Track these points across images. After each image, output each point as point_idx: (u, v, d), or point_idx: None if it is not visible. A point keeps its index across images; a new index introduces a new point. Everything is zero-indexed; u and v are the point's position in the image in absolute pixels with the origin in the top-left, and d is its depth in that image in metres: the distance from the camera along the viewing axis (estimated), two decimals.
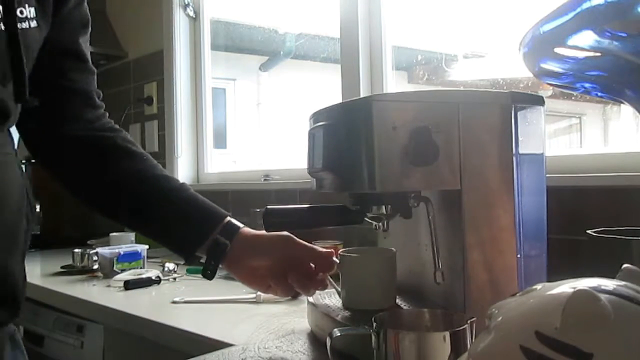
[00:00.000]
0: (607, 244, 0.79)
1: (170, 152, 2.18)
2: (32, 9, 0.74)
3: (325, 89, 2.00)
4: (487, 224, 0.75)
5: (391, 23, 1.58)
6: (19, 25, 0.72)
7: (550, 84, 0.80)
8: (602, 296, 0.33)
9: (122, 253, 1.54)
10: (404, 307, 0.83)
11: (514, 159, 0.76)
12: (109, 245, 1.68)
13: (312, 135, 0.82)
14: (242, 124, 2.74)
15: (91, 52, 0.93)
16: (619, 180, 1.04)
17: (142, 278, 1.39)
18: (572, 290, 0.34)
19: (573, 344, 0.32)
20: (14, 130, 0.81)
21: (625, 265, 0.41)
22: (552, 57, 0.67)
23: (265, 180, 1.85)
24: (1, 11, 0.70)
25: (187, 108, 2.18)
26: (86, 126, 0.90)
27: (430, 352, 0.57)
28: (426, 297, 0.85)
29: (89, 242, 1.90)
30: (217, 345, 0.89)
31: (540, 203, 0.81)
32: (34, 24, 0.75)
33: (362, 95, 1.54)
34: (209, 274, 0.86)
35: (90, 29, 0.91)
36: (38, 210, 0.86)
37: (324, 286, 0.86)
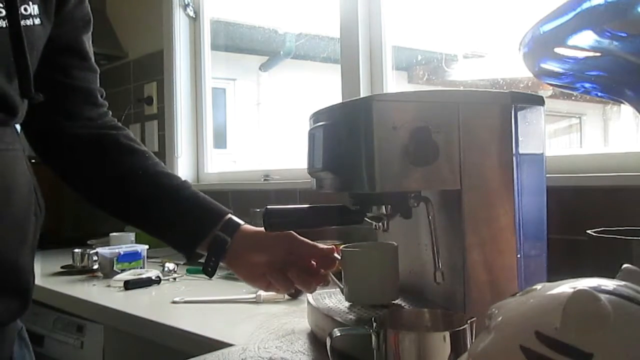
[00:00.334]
0: (607, 244, 0.79)
1: (170, 152, 2.18)
2: (36, 7, 0.75)
3: (325, 89, 2.00)
4: (487, 224, 0.75)
5: (391, 23, 1.58)
6: (22, 22, 0.72)
7: (550, 84, 0.80)
8: (602, 296, 0.33)
9: (122, 253, 1.54)
10: (404, 307, 0.83)
11: (514, 159, 0.76)
12: (109, 245, 1.68)
13: (312, 135, 0.82)
14: (242, 124, 2.74)
15: None
16: (619, 180, 1.04)
17: (142, 278, 1.39)
18: (572, 290, 0.34)
19: (573, 344, 0.32)
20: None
21: (625, 265, 0.41)
22: (552, 57, 0.67)
23: (265, 180, 1.85)
24: (4, 8, 0.70)
25: (187, 108, 2.18)
26: (88, 124, 0.91)
27: (430, 352, 0.57)
28: (426, 297, 0.85)
29: (89, 242, 1.90)
30: (217, 345, 0.89)
31: (540, 203, 0.81)
32: (37, 21, 0.75)
33: (362, 95, 1.54)
34: (209, 271, 0.86)
35: (92, 27, 0.91)
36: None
37: (325, 282, 0.85)
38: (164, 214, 0.88)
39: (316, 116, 0.84)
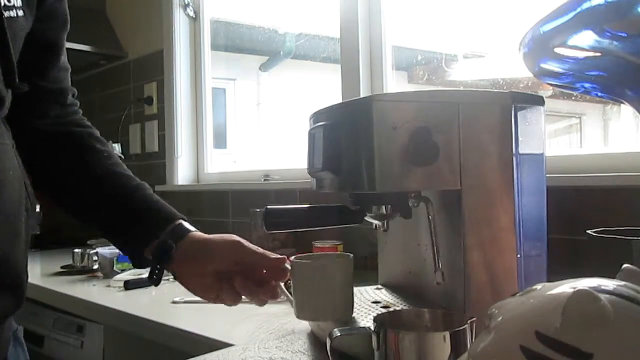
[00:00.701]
0: (607, 244, 0.79)
1: (170, 152, 2.18)
2: None
3: (325, 89, 2.00)
4: (487, 224, 0.75)
5: (391, 23, 1.58)
6: (5, 13, 0.72)
7: (550, 84, 0.80)
8: (602, 296, 0.33)
9: (122, 253, 1.53)
10: (404, 307, 0.83)
11: (514, 159, 0.76)
12: (109, 245, 1.67)
13: (312, 135, 0.82)
14: (242, 124, 2.74)
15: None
16: (619, 180, 1.04)
17: (142, 278, 1.39)
18: (572, 290, 0.34)
19: (573, 344, 0.32)
20: None
21: (625, 265, 0.41)
22: (552, 57, 0.67)
23: (265, 180, 1.85)
24: None
25: (187, 108, 2.18)
26: (54, 121, 0.90)
27: (430, 352, 0.57)
28: (426, 297, 0.85)
29: (89, 242, 1.90)
30: (217, 345, 0.89)
31: (540, 203, 0.81)
32: (20, 12, 0.75)
33: (362, 95, 1.54)
34: (154, 279, 0.81)
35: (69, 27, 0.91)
36: (38, 209, 0.85)
37: (275, 295, 0.78)
38: (114, 215, 0.86)
39: (316, 116, 0.84)
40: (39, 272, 1.66)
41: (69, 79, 0.94)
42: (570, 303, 0.33)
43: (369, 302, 0.87)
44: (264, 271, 0.79)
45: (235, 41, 2.52)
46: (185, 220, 0.84)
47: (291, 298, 0.80)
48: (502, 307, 0.38)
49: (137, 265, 0.87)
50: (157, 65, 2.23)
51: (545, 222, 0.81)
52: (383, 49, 1.57)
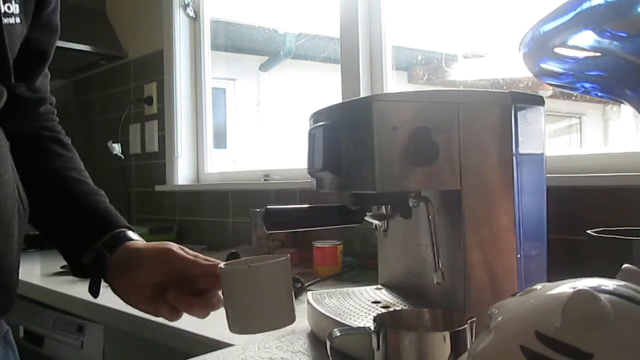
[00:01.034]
0: (607, 244, 0.79)
1: (170, 152, 2.18)
2: (17, 5, 0.76)
3: (325, 89, 2.00)
4: (487, 224, 0.75)
5: (391, 23, 1.58)
6: (5, 20, 0.73)
7: (550, 84, 0.80)
8: (602, 296, 0.33)
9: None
10: (404, 307, 0.83)
11: (514, 159, 0.76)
12: None
13: (312, 135, 0.82)
14: (242, 124, 2.75)
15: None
16: (619, 180, 1.04)
17: None
18: (572, 290, 0.34)
19: (573, 344, 0.32)
20: None
21: (625, 265, 0.41)
22: (552, 57, 0.67)
23: (265, 180, 1.85)
24: None
25: (187, 108, 2.18)
26: (26, 125, 0.89)
27: (430, 352, 0.57)
28: (426, 297, 0.85)
29: None
30: (217, 345, 0.88)
31: (540, 203, 0.81)
32: (17, 20, 0.76)
33: (362, 95, 1.54)
34: (93, 290, 0.76)
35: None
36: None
37: (211, 306, 0.71)
38: (56, 219, 0.83)
39: (316, 116, 0.84)
40: (39, 272, 1.66)
41: (49, 86, 0.93)
42: (570, 303, 0.33)
43: (369, 302, 0.87)
44: (201, 279, 0.71)
45: (235, 41, 2.52)
46: (130, 230, 0.80)
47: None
48: (502, 307, 0.38)
49: (75, 273, 0.82)
50: (157, 65, 2.23)
51: (545, 222, 0.81)
52: (383, 49, 1.57)
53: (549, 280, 0.40)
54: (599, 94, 0.74)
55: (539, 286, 0.39)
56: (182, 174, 2.16)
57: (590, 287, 0.34)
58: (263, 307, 0.68)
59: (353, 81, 1.58)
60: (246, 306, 0.68)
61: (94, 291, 0.77)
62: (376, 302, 0.87)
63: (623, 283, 0.37)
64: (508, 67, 1.55)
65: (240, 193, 1.91)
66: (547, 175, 0.82)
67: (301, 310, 1.02)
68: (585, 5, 0.56)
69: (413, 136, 0.70)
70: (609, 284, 0.36)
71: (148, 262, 0.74)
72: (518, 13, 1.43)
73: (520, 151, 0.77)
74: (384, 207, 0.80)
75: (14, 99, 0.82)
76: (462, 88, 1.67)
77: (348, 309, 0.84)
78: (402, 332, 0.58)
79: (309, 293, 0.94)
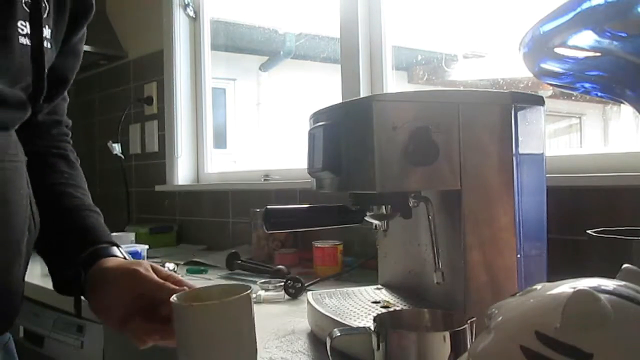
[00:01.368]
0: (607, 244, 0.79)
1: (170, 152, 2.18)
2: (50, 31, 0.76)
3: (325, 89, 2.00)
4: (487, 224, 0.75)
5: (391, 23, 1.58)
6: (44, 44, 0.74)
7: (550, 84, 0.80)
8: (602, 296, 0.33)
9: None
10: (404, 307, 0.83)
11: (514, 159, 0.76)
12: None
13: (312, 135, 0.82)
14: (242, 124, 2.75)
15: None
16: (619, 180, 1.04)
17: None
18: (572, 290, 0.34)
19: (573, 344, 0.32)
20: None
21: (625, 265, 0.41)
22: (552, 57, 0.67)
23: (265, 180, 1.85)
24: (28, 27, 0.71)
25: (187, 108, 2.18)
26: (37, 142, 0.88)
27: (430, 352, 0.57)
28: (426, 297, 0.85)
29: None
30: None
31: (540, 203, 0.81)
32: (49, 45, 0.76)
33: (362, 95, 1.54)
34: (76, 308, 0.74)
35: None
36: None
37: (172, 338, 0.64)
38: (44, 234, 0.80)
39: (316, 116, 0.84)
40: (39, 272, 1.66)
41: (66, 109, 0.95)
42: (570, 303, 0.33)
43: (369, 302, 0.87)
44: (164, 305, 0.65)
45: (235, 41, 2.53)
46: (115, 245, 0.78)
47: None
48: (502, 307, 0.38)
49: (57, 289, 0.79)
50: (157, 65, 2.23)
51: (545, 222, 0.81)
52: (383, 49, 1.57)
53: (549, 280, 0.40)
54: (599, 94, 0.74)
55: (539, 286, 0.39)
56: (182, 174, 2.16)
57: (590, 287, 0.34)
58: (211, 352, 0.59)
59: (353, 81, 1.58)
60: (194, 347, 0.59)
61: (76, 309, 0.74)
62: (376, 302, 0.87)
63: (623, 283, 0.37)
64: (508, 67, 1.55)
65: (240, 193, 1.91)
66: (547, 175, 0.82)
67: (301, 310, 1.02)
68: (585, 5, 0.56)
69: (413, 136, 0.70)
70: (609, 284, 0.36)
71: (116, 283, 0.70)
72: (518, 13, 1.43)
73: (520, 151, 0.77)
74: (384, 207, 0.80)
75: (30, 119, 0.82)
76: (462, 88, 1.67)
77: (348, 309, 0.84)
78: (402, 332, 0.58)
79: (309, 293, 0.94)
